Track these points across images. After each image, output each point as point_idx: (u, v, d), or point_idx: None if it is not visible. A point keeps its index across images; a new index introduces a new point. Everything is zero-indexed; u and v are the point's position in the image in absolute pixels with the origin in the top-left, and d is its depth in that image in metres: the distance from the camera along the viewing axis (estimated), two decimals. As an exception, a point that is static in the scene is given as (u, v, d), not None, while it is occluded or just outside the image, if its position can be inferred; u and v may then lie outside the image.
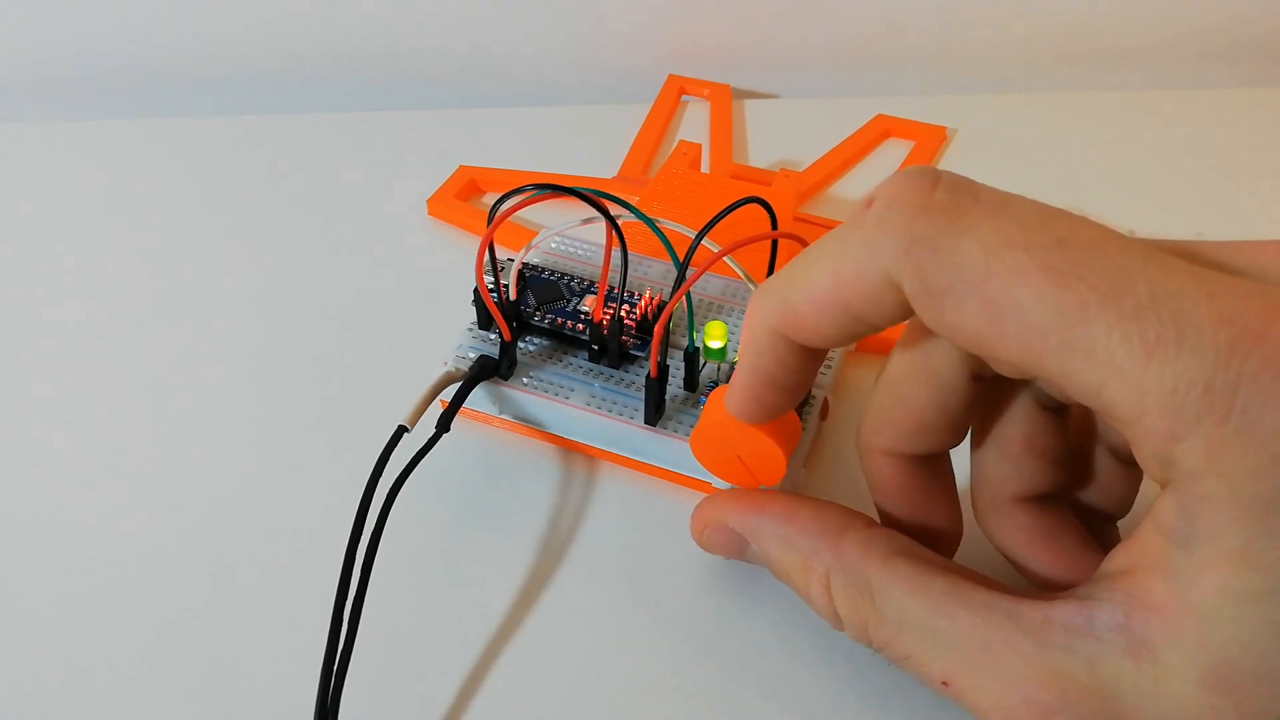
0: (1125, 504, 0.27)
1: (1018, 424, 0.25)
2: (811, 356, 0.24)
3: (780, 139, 0.49)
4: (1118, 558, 0.21)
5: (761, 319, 0.24)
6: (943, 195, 0.20)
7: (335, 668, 0.26)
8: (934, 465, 0.27)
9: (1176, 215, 0.44)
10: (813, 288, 0.22)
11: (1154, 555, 0.20)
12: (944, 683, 0.22)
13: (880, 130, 0.49)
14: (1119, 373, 0.18)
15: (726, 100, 0.51)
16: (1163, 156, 0.47)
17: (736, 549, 0.27)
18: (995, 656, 0.21)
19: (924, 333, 0.24)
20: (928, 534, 0.27)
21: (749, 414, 0.26)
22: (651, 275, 0.37)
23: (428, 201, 0.44)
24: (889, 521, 0.27)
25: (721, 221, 0.30)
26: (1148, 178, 0.46)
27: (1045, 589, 0.26)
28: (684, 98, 0.52)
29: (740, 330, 0.34)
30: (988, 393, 0.25)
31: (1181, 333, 0.18)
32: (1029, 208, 0.20)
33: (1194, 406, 0.18)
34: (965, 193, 0.20)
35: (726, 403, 0.26)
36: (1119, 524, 0.28)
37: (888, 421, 0.26)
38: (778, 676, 0.28)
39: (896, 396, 0.25)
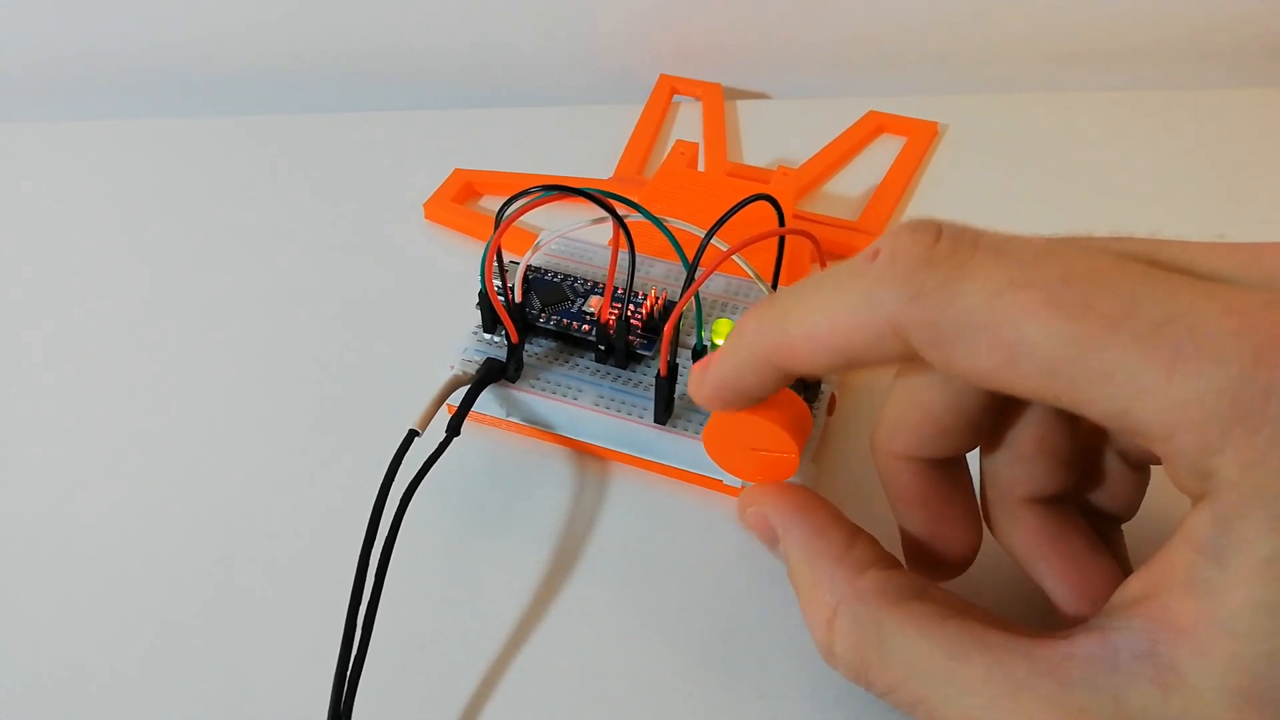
0: (1131, 507, 0.27)
1: (1031, 425, 0.25)
2: (787, 378, 0.25)
3: (772, 138, 0.49)
4: (1135, 584, 0.21)
5: (753, 343, 0.24)
6: (945, 246, 0.21)
7: (349, 670, 0.26)
8: (951, 470, 0.27)
9: (1175, 216, 0.44)
10: (811, 327, 0.22)
11: (1181, 573, 0.19)
12: None
13: (873, 126, 0.49)
14: (1143, 393, 0.18)
15: (719, 99, 0.51)
16: (1161, 157, 0.48)
17: (769, 538, 0.27)
18: (1013, 699, 0.21)
19: None
20: (946, 540, 0.27)
21: (712, 408, 0.27)
22: (654, 275, 0.37)
23: (424, 205, 0.44)
24: (907, 529, 0.27)
25: (727, 220, 0.30)
26: (1146, 178, 0.46)
27: (1055, 592, 0.26)
28: (676, 98, 0.52)
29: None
30: (1001, 394, 0.25)
31: (1200, 346, 0.18)
32: (1029, 247, 0.21)
33: (1224, 418, 0.18)
34: (966, 242, 0.21)
35: (691, 390, 0.27)
36: (1123, 528, 0.28)
37: (903, 426, 0.26)
38: (782, 678, 0.28)
39: (912, 401, 0.25)
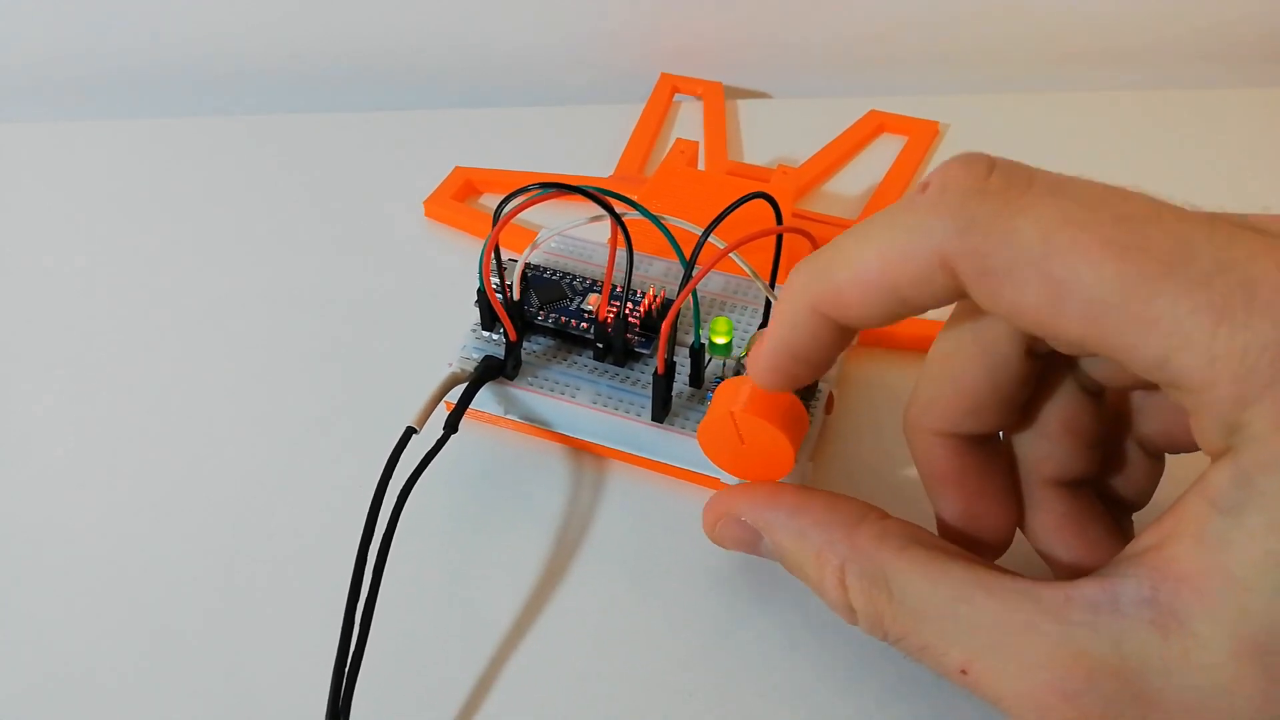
0: (1145, 496, 0.27)
1: (1059, 404, 0.25)
2: (843, 334, 0.24)
3: (773, 138, 0.49)
4: (1145, 537, 0.21)
5: (801, 294, 0.23)
6: (998, 179, 0.21)
7: (347, 668, 0.26)
8: (986, 447, 0.26)
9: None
10: (859, 267, 0.22)
11: (1191, 525, 0.19)
12: (963, 670, 0.22)
13: (873, 126, 0.49)
14: (1187, 341, 0.18)
15: (719, 98, 0.51)
16: (1162, 156, 0.48)
17: (749, 543, 0.27)
18: (1016, 639, 0.21)
19: (976, 308, 0.23)
20: (982, 521, 0.26)
21: (772, 384, 0.26)
22: (653, 273, 0.37)
23: (425, 203, 0.44)
24: (942, 511, 0.27)
25: (724, 218, 0.30)
26: (1147, 178, 0.45)
27: (1073, 576, 0.26)
28: (677, 97, 0.52)
29: (744, 327, 0.34)
30: (1035, 365, 0.25)
31: (1251, 297, 0.18)
32: (1086, 187, 0.20)
33: (1266, 371, 0.18)
34: (1020, 176, 0.21)
35: (750, 369, 0.26)
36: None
37: (938, 400, 0.25)
38: (781, 677, 0.28)
39: (948, 374, 0.25)
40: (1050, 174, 0.21)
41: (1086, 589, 0.21)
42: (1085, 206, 0.20)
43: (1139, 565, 0.20)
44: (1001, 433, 0.27)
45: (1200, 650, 0.19)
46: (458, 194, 0.45)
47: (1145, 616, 0.20)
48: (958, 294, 0.21)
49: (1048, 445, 0.26)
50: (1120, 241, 0.19)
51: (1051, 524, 0.26)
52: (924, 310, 0.22)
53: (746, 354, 0.33)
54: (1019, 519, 0.27)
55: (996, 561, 0.26)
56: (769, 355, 0.25)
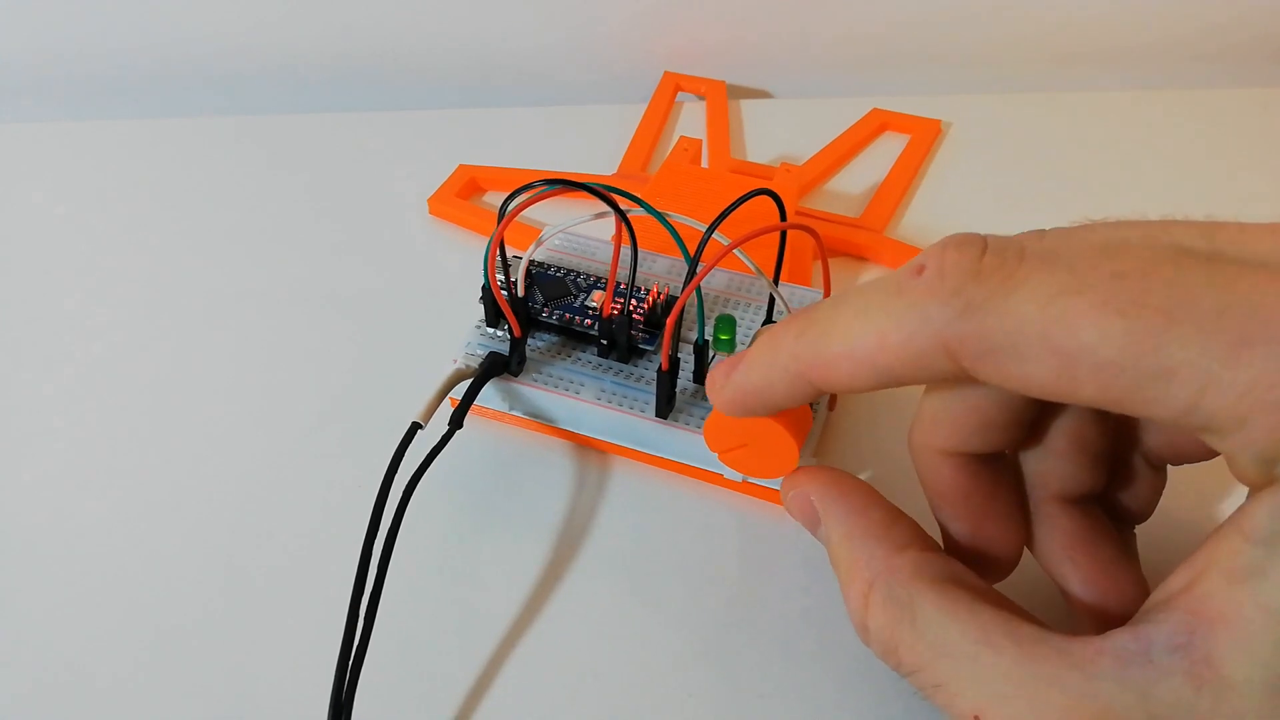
0: (1149, 509, 0.27)
1: (1067, 420, 0.25)
2: (817, 394, 0.24)
3: (775, 137, 0.49)
4: (1176, 578, 0.20)
5: (789, 358, 0.24)
6: (992, 259, 0.20)
7: (351, 663, 0.26)
8: (994, 465, 0.26)
9: (1176, 216, 0.44)
10: (853, 346, 0.22)
11: (1225, 561, 0.19)
12: (975, 717, 0.21)
13: (876, 124, 0.49)
14: (1211, 383, 0.18)
15: (723, 96, 0.51)
16: (1162, 156, 0.48)
17: (810, 520, 0.27)
18: (1034, 690, 0.20)
19: None
20: (989, 541, 0.26)
21: (729, 412, 0.26)
22: (656, 270, 0.37)
23: (429, 200, 0.44)
24: (948, 529, 0.27)
25: (728, 215, 0.30)
26: (1146, 177, 0.46)
27: (1081, 596, 0.25)
28: (680, 95, 0.52)
29: (748, 323, 0.34)
30: None
31: (1266, 326, 0.18)
32: (1078, 250, 0.20)
33: None
34: (1012, 253, 0.20)
35: (710, 394, 0.26)
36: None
37: (946, 418, 0.25)
38: (781, 678, 0.28)
39: (956, 393, 0.25)
40: (1041, 243, 0.21)
41: (1118, 638, 0.20)
42: (1078, 271, 0.20)
43: (1170, 609, 0.20)
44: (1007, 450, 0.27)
45: (1232, 697, 0.18)
46: (462, 191, 0.45)
47: (1179, 667, 0.19)
48: (955, 374, 0.21)
49: (1055, 461, 0.25)
50: (1120, 300, 0.19)
51: (1059, 541, 0.26)
52: (913, 384, 0.22)
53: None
54: (1026, 537, 0.27)
55: (1006, 579, 0.26)
56: (737, 392, 0.26)
